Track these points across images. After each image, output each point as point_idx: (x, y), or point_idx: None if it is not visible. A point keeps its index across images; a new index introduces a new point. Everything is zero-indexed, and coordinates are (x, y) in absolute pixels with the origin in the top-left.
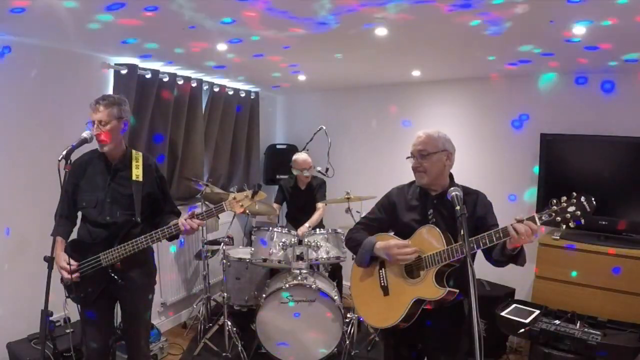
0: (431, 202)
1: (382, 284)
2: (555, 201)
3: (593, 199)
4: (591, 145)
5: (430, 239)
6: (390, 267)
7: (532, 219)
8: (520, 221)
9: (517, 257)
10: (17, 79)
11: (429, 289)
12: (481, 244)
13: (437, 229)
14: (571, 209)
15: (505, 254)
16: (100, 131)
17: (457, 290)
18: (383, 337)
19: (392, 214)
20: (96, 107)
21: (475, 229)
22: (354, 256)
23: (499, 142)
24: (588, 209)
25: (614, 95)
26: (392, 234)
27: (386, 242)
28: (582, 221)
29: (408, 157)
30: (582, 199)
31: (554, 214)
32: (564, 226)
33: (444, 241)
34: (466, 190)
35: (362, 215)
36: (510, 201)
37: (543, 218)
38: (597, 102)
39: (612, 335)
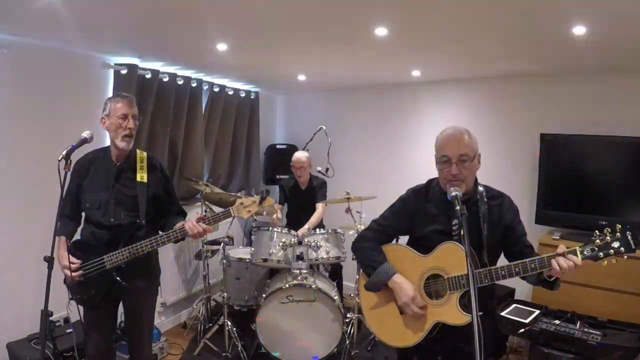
0: (454, 210)
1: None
2: (598, 233)
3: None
4: (591, 145)
5: (454, 259)
6: None
7: (573, 252)
8: (561, 254)
9: (554, 283)
10: (17, 79)
11: (453, 313)
12: (514, 273)
13: (463, 248)
14: (615, 244)
15: (541, 281)
16: (134, 125)
17: (481, 312)
18: (398, 353)
19: (409, 223)
20: (131, 101)
21: (503, 237)
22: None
23: (499, 142)
24: (633, 247)
25: (614, 95)
26: (398, 241)
27: (405, 287)
28: (625, 257)
29: (445, 161)
30: (628, 234)
31: (597, 249)
32: (605, 262)
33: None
34: (491, 193)
35: (374, 218)
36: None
37: (585, 253)
38: (597, 102)
39: (612, 335)
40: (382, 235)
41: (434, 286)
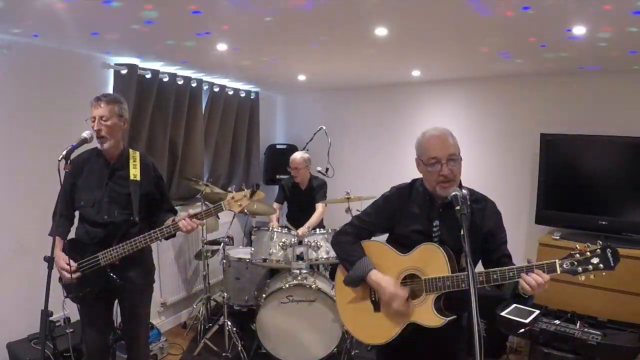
0: (437, 211)
1: (373, 298)
2: (578, 248)
3: (618, 251)
4: (591, 145)
5: (433, 261)
6: None
7: (552, 265)
8: (530, 269)
9: (527, 300)
10: (17, 79)
11: (428, 315)
12: (492, 279)
13: (443, 252)
14: (594, 260)
15: (516, 295)
16: (101, 126)
17: (455, 316)
18: (376, 353)
19: (390, 221)
20: (97, 103)
21: (483, 243)
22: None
23: (499, 142)
24: (612, 264)
25: (614, 95)
26: (378, 237)
27: (383, 280)
28: (604, 274)
29: (434, 163)
30: (608, 251)
31: (576, 263)
32: (583, 277)
33: (449, 267)
34: (474, 196)
35: (355, 215)
36: (511, 202)
37: (564, 266)
38: (597, 102)
39: (612, 335)
40: (362, 231)
41: (410, 286)
